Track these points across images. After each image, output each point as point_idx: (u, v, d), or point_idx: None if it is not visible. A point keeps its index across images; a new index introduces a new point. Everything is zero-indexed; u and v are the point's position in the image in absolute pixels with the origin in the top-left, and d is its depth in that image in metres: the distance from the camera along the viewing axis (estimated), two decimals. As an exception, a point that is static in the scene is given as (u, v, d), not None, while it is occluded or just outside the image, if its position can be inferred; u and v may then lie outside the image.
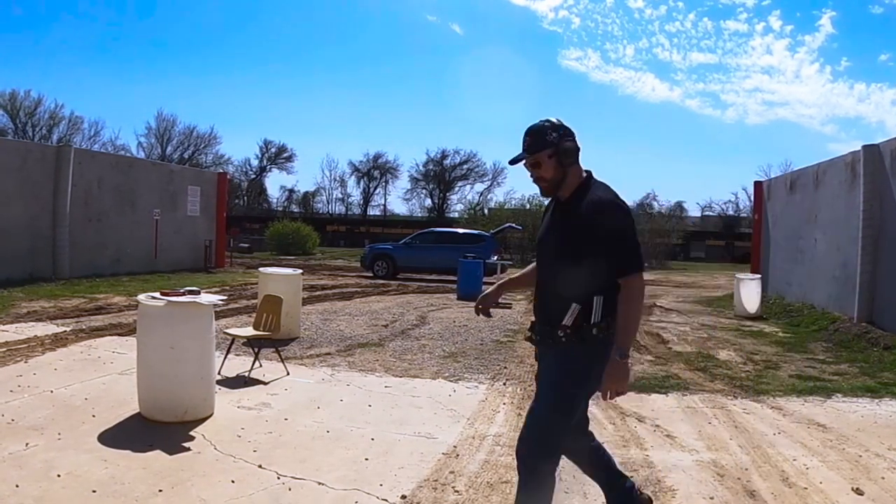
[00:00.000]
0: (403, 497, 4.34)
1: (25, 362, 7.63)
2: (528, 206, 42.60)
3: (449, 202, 73.26)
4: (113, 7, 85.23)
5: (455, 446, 5.40)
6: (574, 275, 3.25)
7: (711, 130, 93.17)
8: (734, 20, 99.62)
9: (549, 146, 3.35)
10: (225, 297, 7.19)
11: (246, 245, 39.29)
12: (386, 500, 4.31)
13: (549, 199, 3.62)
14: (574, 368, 3.33)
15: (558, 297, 3.32)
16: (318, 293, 16.81)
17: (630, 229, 3.28)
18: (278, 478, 4.57)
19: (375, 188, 76.26)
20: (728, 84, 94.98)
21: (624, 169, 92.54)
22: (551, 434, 3.36)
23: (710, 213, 70.26)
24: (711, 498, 4.46)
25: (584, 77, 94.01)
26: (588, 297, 3.26)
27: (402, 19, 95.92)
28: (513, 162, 3.46)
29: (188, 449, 5.09)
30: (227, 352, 7.84)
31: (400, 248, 24.93)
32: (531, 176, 3.46)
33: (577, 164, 3.40)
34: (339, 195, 76.88)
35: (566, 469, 4.94)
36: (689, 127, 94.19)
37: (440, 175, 73.26)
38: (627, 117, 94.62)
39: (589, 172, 3.46)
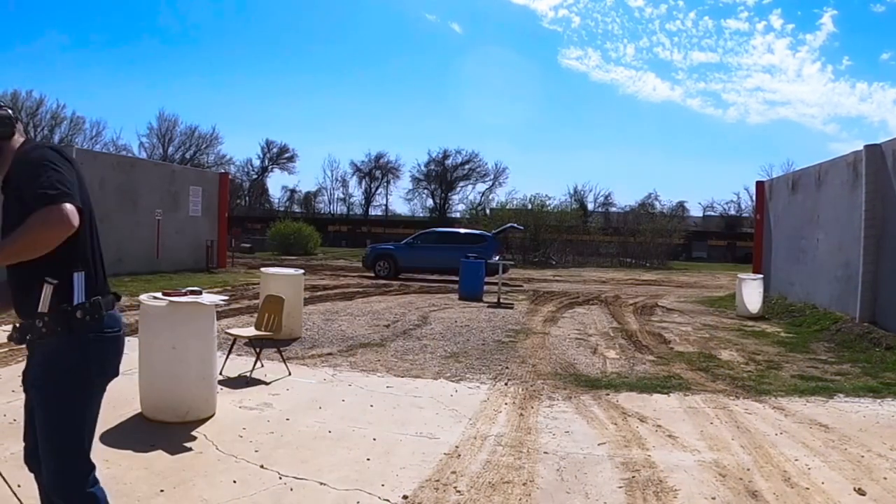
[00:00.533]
0: (405, 497, 4.33)
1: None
2: (529, 206, 42.60)
3: (451, 202, 73.34)
4: (115, 7, 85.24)
5: (457, 446, 5.40)
6: None
7: (713, 130, 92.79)
8: (735, 19, 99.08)
9: None
10: (227, 298, 7.20)
11: (248, 245, 39.33)
12: (388, 500, 4.30)
13: None
14: (64, 369, 2.74)
15: (26, 281, 2.69)
16: (319, 293, 16.81)
17: (44, 166, 2.57)
18: (280, 478, 4.57)
19: (377, 188, 76.31)
20: (729, 83, 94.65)
21: (626, 169, 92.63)
22: (70, 470, 2.83)
23: (712, 213, 70.19)
24: (713, 498, 4.46)
25: (584, 76, 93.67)
26: (63, 273, 2.67)
27: (401, 18, 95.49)
28: None
29: (190, 449, 5.10)
30: (229, 352, 7.84)
31: (402, 249, 24.88)
32: None
33: (9, 138, 2.77)
34: (341, 195, 76.86)
35: (568, 469, 4.95)
36: (691, 126, 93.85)
37: (442, 175, 73.26)
38: (629, 117, 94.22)
39: (27, 139, 2.88)
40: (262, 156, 74.38)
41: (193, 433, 5.45)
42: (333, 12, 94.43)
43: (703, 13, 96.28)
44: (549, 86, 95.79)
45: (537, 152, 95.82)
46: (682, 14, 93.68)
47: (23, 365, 7.45)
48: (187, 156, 67.66)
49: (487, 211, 54.28)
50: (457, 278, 18.46)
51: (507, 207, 45.09)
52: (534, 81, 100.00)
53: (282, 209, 72.15)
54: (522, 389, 7.37)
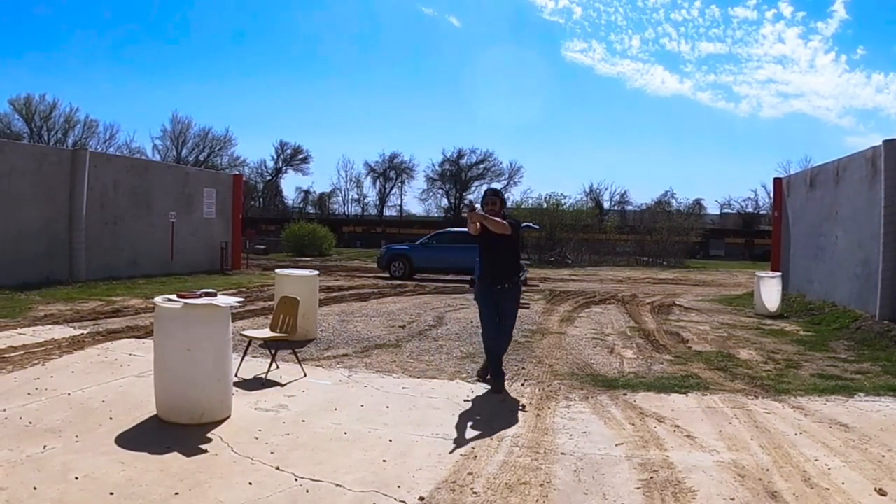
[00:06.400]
0: (421, 499, 4.31)
1: (43, 365, 7.66)
2: (545, 206, 42.49)
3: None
4: (127, 10, 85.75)
5: (473, 447, 5.37)
6: None
7: (726, 125, 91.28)
8: (743, 7, 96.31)
9: None
10: (241, 299, 7.19)
11: (262, 247, 39.42)
12: (404, 501, 4.28)
13: None
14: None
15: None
16: (334, 294, 16.82)
17: None
18: (296, 479, 4.55)
19: (391, 188, 76.47)
20: (740, 75, 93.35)
21: (640, 166, 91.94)
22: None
23: (730, 211, 69.73)
24: (732, 499, 4.40)
25: (590, 70, 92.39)
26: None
27: (398, 13, 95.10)
28: None
29: (205, 451, 5.09)
30: (244, 354, 7.83)
31: (417, 249, 24.80)
32: None
33: None
34: (355, 196, 77.08)
35: (585, 470, 4.92)
36: (703, 121, 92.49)
37: (456, 174, 73.30)
38: (638, 112, 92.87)
39: None
40: (275, 157, 74.79)
41: (209, 435, 5.44)
42: (341, 14, 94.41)
43: (709, 2, 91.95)
44: (556, 80, 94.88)
45: (549, 149, 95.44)
46: (688, 2, 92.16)
47: (38, 368, 7.56)
48: (201, 158, 68.06)
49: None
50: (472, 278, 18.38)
51: (523, 207, 44.92)
52: (539, 76, 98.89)
53: (296, 210, 72.38)
54: (539, 390, 7.33)
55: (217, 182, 24.80)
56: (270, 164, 74.86)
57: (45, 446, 4.96)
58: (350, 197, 77.22)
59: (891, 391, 7.53)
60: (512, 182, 72.43)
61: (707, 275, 32.55)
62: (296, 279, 10.12)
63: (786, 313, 14.77)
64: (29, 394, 6.35)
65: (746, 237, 57.41)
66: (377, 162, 74.85)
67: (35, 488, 4.21)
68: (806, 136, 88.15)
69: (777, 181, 20.92)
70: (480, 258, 7.52)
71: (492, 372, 7.40)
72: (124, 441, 5.21)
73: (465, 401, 6.84)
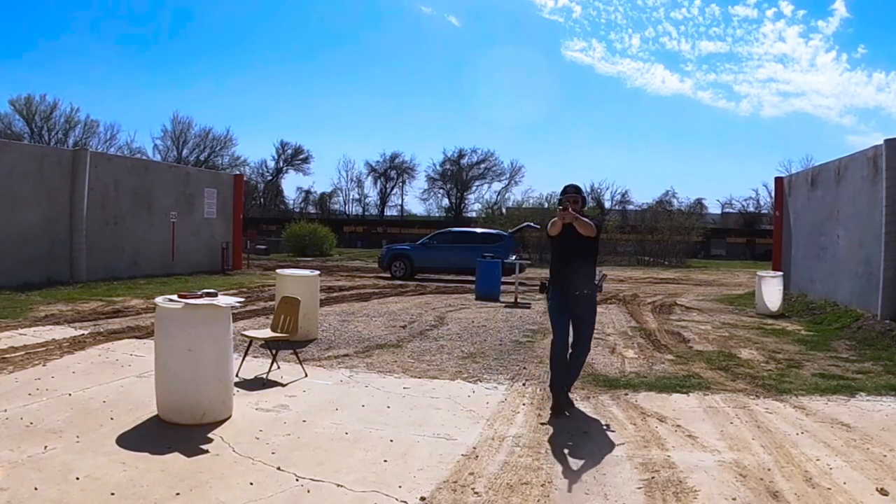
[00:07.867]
0: (423, 499, 4.30)
1: (44, 366, 7.66)
2: (546, 205, 42.46)
3: (466, 202, 73.41)
4: (127, 10, 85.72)
5: (474, 447, 5.36)
6: None
7: (726, 124, 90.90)
8: (743, 5, 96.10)
9: None
10: (242, 300, 7.17)
11: (263, 247, 39.43)
12: (405, 501, 4.27)
13: None
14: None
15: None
16: (335, 294, 16.82)
17: None
18: (297, 479, 4.55)
19: (392, 188, 76.49)
20: (741, 74, 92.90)
21: (641, 166, 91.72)
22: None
23: (731, 210, 69.65)
24: (734, 499, 4.40)
25: (590, 69, 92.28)
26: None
27: (397, 13, 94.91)
28: None
29: (206, 451, 5.08)
30: (245, 354, 7.83)
31: (418, 249, 24.81)
32: None
33: None
34: (356, 196, 77.14)
35: (587, 470, 4.90)
36: (704, 120, 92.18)
37: (457, 174, 73.31)
38: (638, 111, 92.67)
39: None
40: (276, 157, 74.94)
41: (210, 435, 5.44)
42: (342, 13, 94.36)
43: (709, 0, 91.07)
44: (556, 80, 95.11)
45: (550, 149, 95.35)
46: (688, 1, 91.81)
47: (39, 368, 7.51)
48: (202, 158, 68.10)
49: (503, 210, 54.22)
50: (473, 278, 18.41)
51: (524, 206, 44.98)
52: (539, 75, 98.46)
53: (297, 210, 72.40)
54: (540, 390, 7.31)
55: (218, 182, 24.80)
56: (271, 164, 75.06)
57: (46, 447, 4.96)
58: (351, 197, 77.36)
59: (892, 391, 7.51)
60: (513, 182, 72.61)
61: (708, 274, 32.54)
62: (297, 279, 10.11)
63: (787, 313, 14.77)
64: (30, 394, 6.35)
65: (748, 236, 57.42)
66: (378, 162, 75.01)
67: (36, 489, 4.21)
68: (807, 135, 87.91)
69: (778, 180, 20.91)
70: (555, 261, 6.73)
71: (552, 388, 6.54)
72: (125, 441, 5.21)
73: (466, 400, 6.83)
